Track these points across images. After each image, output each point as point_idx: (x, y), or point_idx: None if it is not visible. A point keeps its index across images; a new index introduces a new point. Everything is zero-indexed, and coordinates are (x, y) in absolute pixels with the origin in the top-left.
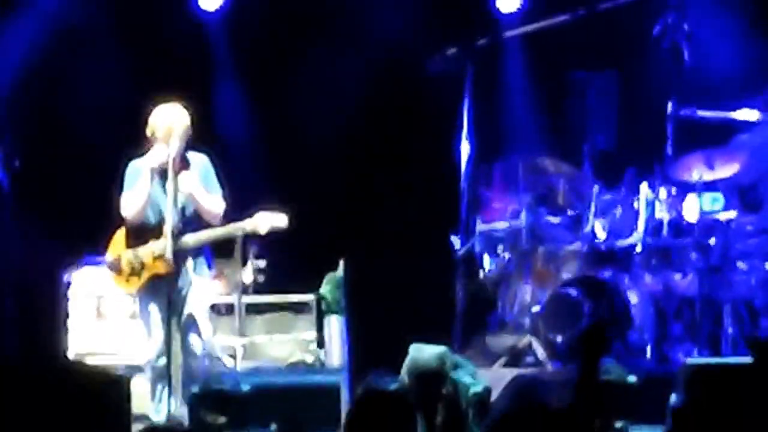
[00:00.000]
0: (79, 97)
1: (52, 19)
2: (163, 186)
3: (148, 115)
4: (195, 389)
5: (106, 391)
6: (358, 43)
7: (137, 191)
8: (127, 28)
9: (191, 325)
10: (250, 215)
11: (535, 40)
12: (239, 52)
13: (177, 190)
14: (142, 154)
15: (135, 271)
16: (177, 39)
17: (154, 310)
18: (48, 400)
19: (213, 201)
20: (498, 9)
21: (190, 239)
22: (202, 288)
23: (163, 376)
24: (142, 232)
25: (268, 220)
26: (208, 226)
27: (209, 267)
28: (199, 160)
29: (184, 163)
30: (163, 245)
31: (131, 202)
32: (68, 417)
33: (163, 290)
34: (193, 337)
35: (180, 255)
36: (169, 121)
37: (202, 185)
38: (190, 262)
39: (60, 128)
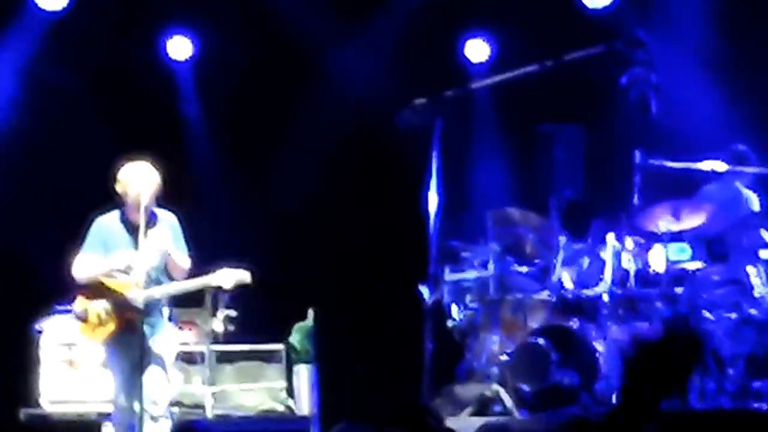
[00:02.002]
0: (49, 149)
1: (24, 73)
2: (134, 239)
3: (116, 171)
4: None
5: None
6: (328, 94)
7: (94, 268)
8: (98, 82)
9: (156, 375)
10: (214, 270)
11: (503, 92)
12: (208, 104)
13: (149, 245)
14: (108, 210)
15: (102, 322)
16: (147, 90)
17: (122, 359)
18: None
19: (182, 258)
20: (467, 58)
21: (158, 291)
22: (169, 337)
23: (130, 424)
24: (106, 285)
25: (233, 276)
26: (171, 280)
27: (170, 319)
28: (168, 217)
29: (154, 220)
30: (132, 296)
31: (84, 270)
32: None
33: (130, 340)
34: (160, 386)
35: (148, 306)
36: (139, 179)
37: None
38: (159, 313)
39: (30, 180)
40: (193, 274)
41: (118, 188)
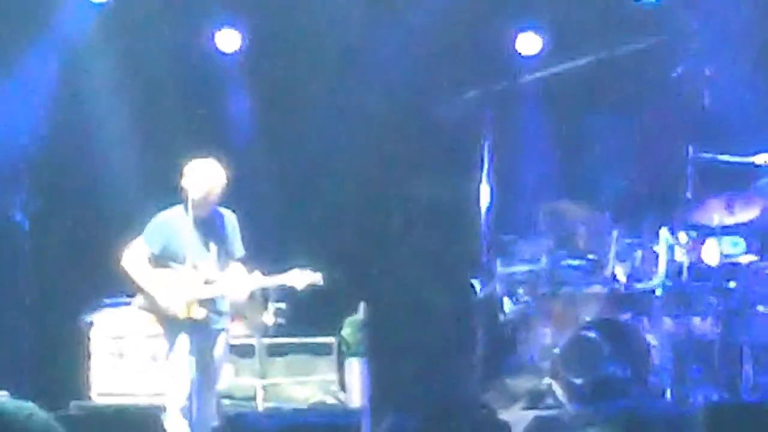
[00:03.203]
0: (101, 141)
1: (73, 65)
2: (197, 235)
3: (182, 168)
4: (217, 430)
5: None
6: (378, 86)
7: (141, 273)
8: (146, 73)
9: (216, 368)
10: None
11: (555, 84)
12: (254, 96)
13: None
14: (171, 205)
15: (168, 314)
16: (194, 82)
17: (184, 352)
18: None
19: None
20: (518, 52)
21: (233, 288)
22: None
23: (185, 416)
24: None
25: (305, 277)
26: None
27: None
28: (230, 216)
29: (216, 217)
30: (200, 291)
31: (132, 260)
32: None
33: (195, 334)
34: (215, 380)
35: (213, 301)
36: (207, 176)
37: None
38: (222, 307)
39: (78, 173)
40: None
41: (185, 184)
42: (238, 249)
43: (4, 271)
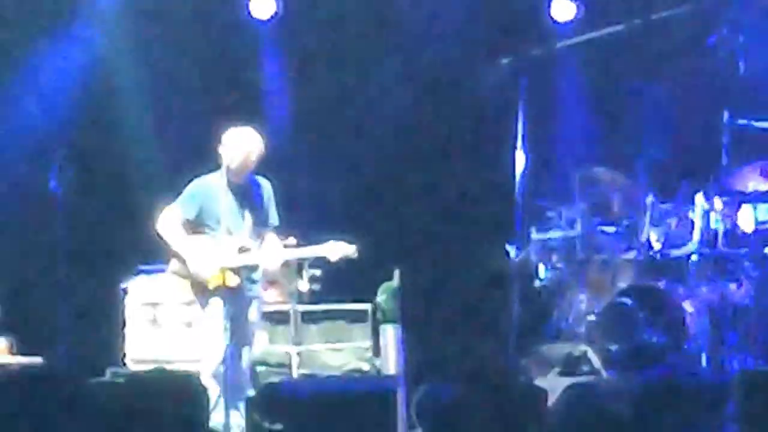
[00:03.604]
0: (134, 109)
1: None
2: (234, 201)
3: (220, 135)
4: (251, 396)
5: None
6: (411, 52)
7: (175, 238)
8: (181, 40)
9: (250, 334)
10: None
11: (589, 50)
12: (289, 63)
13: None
14: (208, 172)
15: (201, 280)
16: (229, 49)
17: (218, 318)
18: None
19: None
20: (553, 18)
21: (267, 257)
22: (261, 299)
23: (219, 383)
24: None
25: (339, 249)
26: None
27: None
28: (266, 185)
29: (253, 185)
30: (234, 259)
31: (166, 225)
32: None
33: (229, 300)
34: (248, 347)
35: (248, 269)
36: (246, 145)
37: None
38: (255, 275)
39: (116, 139)
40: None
41: (222, 151)
42: (273, 218)
43: (39, 239)
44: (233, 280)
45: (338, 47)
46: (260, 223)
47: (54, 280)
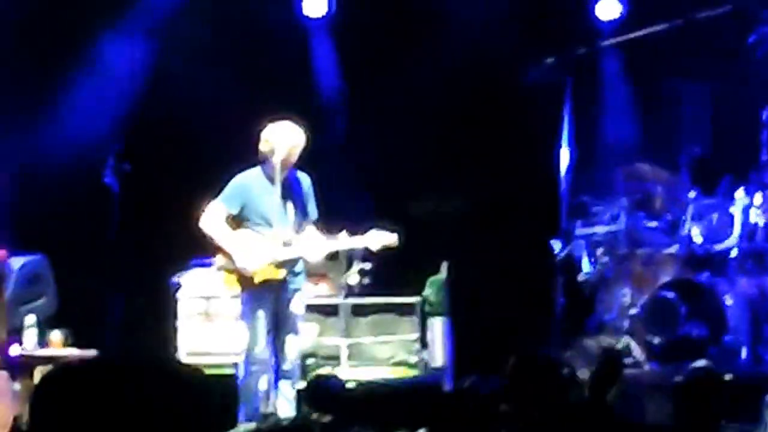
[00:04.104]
0: (187, 105)
1: (161, 31)
2: (276, 195)
3: (260, 129)
4: (300, 387)
5: (214, 390)
6: (457, 53)
7: (220, 233)
8: (233, 39)
9: (294, 325)
10: (362, 231)
11: (632, 49)
12: (340, 58)
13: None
14: (250, 166)
15: (248, 274)
16: (281, 47)
17: (261, 312)
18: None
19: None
20: (597, 17)
21: (310, 250)
22: (303, 290)
23: (264, 372)
24: (254, 238)
25: (381, 238)
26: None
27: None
28: (305, 179)
29: (293, 179)
30: (279, 252)
31: (210, 220)
32: (177, 415)
33: (272, 294)
34: (293, 337)
35: (291, 262)
36: (287, 138)
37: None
38: (297, 268)
39: (169, 133)
40: (325, 233)
41: (264, 147)
42: (313, 212)
43: (94, 233)
44: (279, 274)
45: (386, 45)
46: (301, 216)
47: (108, 274)
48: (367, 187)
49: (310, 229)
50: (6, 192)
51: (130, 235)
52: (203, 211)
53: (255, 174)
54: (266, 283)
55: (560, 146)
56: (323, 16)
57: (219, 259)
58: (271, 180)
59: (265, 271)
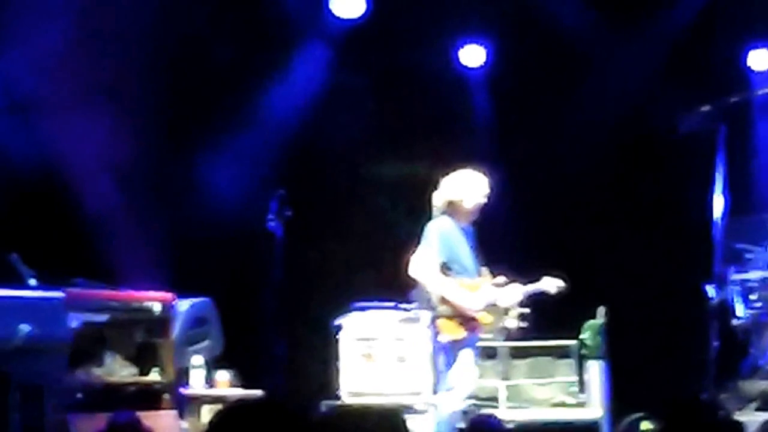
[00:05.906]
0: (347, 152)
1: (321, 79)
2: (469, 244)
3: (441, 178)
4: (462, 427)
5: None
6: (611, 101)
7: (440, 285)
8: (392, 87)
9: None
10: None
11: None
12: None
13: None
14: (439, 215)
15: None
16: (439, 96)
17: (470, 358)
18: None
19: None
20: (749, 67)
21: (509, 295)
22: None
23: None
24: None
25: (555, 284)
26: None
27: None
28: (472, 228)
29: (468, 229)
30: (487, 297)
31: (426, 272)
32: None
33: (478, 339)
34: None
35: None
36: (483, 187)
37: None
38: None
39: (331, 179)
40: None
41: (453, 195)
42: (481, 259)
43: (258, 277)
44: (489, 319)
45: (542, 93)
46: (479, 263)
47: (272, 317)
48: (521, 234)
49: (485, 275)
50: (175, 237)
51: (293, 279)
52: (408, 260)
53: (450, 223)
54: (483, 327)
55: (714, 193)
56: (480, 66)
57: (441, 308)
58: (460, 228)
59: (487, 316)
